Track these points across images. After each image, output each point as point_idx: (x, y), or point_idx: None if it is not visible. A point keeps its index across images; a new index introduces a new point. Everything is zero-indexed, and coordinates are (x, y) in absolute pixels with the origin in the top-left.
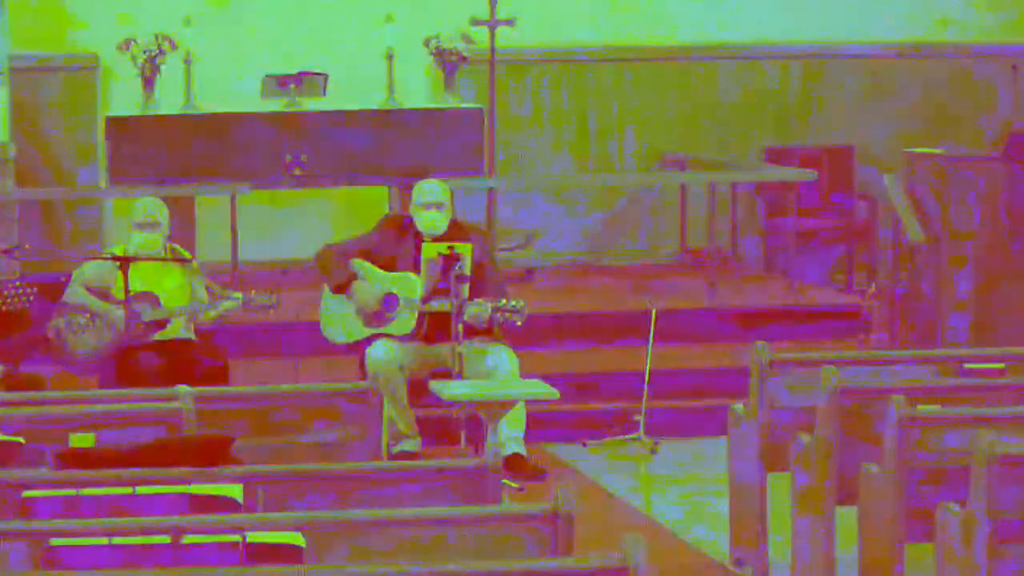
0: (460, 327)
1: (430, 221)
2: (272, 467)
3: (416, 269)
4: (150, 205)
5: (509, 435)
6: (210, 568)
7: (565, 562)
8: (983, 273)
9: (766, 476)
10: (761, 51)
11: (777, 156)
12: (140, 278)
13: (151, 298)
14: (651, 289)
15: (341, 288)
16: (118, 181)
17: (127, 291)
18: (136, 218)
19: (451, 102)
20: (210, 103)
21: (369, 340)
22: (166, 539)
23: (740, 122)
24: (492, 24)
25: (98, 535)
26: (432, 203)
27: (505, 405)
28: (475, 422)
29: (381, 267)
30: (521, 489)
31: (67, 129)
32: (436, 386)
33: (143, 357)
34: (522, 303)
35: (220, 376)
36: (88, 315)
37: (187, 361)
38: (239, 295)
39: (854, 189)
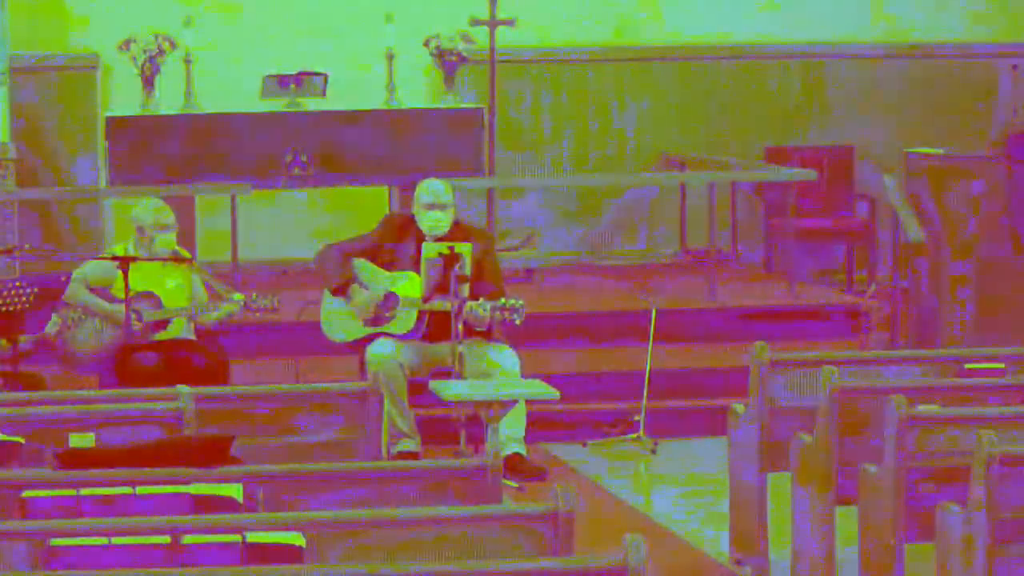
0: (460, 327)
1: (434, 221)
2: (272, 467)
3: (416, 269)
4: (162, 206)
5: (509, 435)
6: (210, 568)
7: (565, 562)
8: (983, 273)
9: (766, 476)
10: (761, 51)
11: (777, 156)
12: (140, 278)
13: (152, 298)
14: (651, 289)
15: (339, 291)
16: (118, 181)
17: (127, 291)
18: (155, 221)
19: (451, 102)
20: (210, 103)
21: (369, 339)
22: (166, 539)
23: (740, 122)
24: (492, 24)
25: (98, 535)
26: (436, 204)
27: (505, 405)
28: (475, 422)
29: (382, 267)
30: (521, 489)
31: (67, 129)
32: (436, 386)
33: (143, 357)
34: (521, 303)
35: (220, 376)
36: (88, 315)
37: (187, 361)
38: (240, 297)
39: (854, 189)
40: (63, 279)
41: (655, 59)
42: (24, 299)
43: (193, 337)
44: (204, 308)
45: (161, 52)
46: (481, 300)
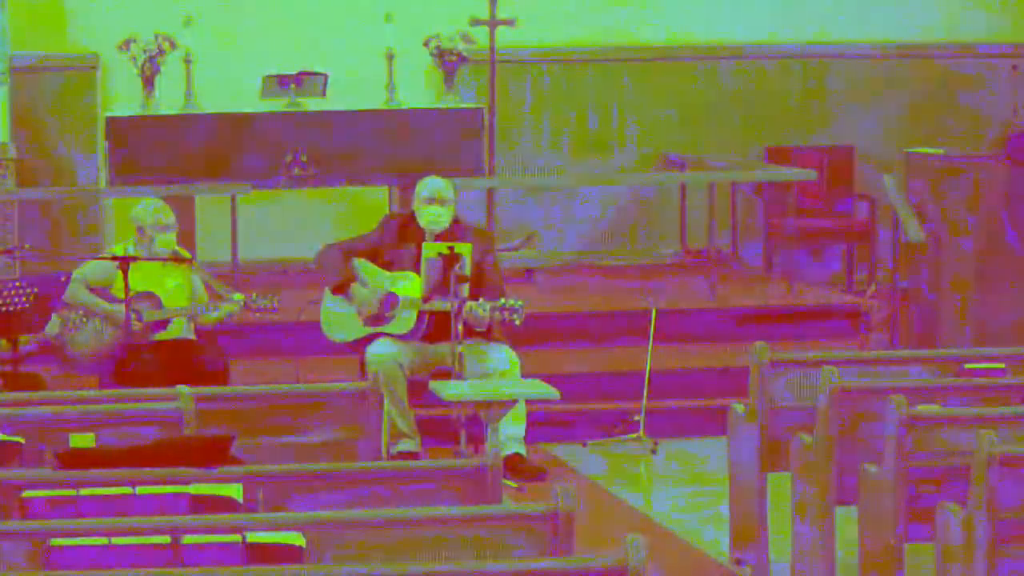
0: (460, 327)
1: (433, 216)
2: (272, 467)
3: (416, 269)
4: (162, 206)
5: (509, 435)
6: (210, 568)
7: (565, 562)
8: (983, 273)
9: (766, 476)
10: (761, 51)
11: (777, 156)
12: (140, 278)
13: (152, 298)
14: (651, 289)
15: (340, 289)
16: (118, 181)
17: (127, 291)
18: (156, 221)
19: (451, 102)
20: (210, 103)
21: (369, 339)
22: (166, 539)
23: (740, 122)
24: (492, 24)
25: (98, 535)
26: (436, 199)
27: (505, 405)
28: (475, 422)
29: (382, 267)
30: (521, 489)
31: (67, 129)
32: (436, 386)
33: (143, 357)
34: (521, 303)
35: (220, 376)
36: (88, 315)
37: (187, 361)
38: (240, 297)
39: (854, 189)
40: (63, 279)
41: (655, 59)
42: (24, 299)
43: (193, 337)
44: (204, 308)
45: (161, 52)
46: (481, 300)
